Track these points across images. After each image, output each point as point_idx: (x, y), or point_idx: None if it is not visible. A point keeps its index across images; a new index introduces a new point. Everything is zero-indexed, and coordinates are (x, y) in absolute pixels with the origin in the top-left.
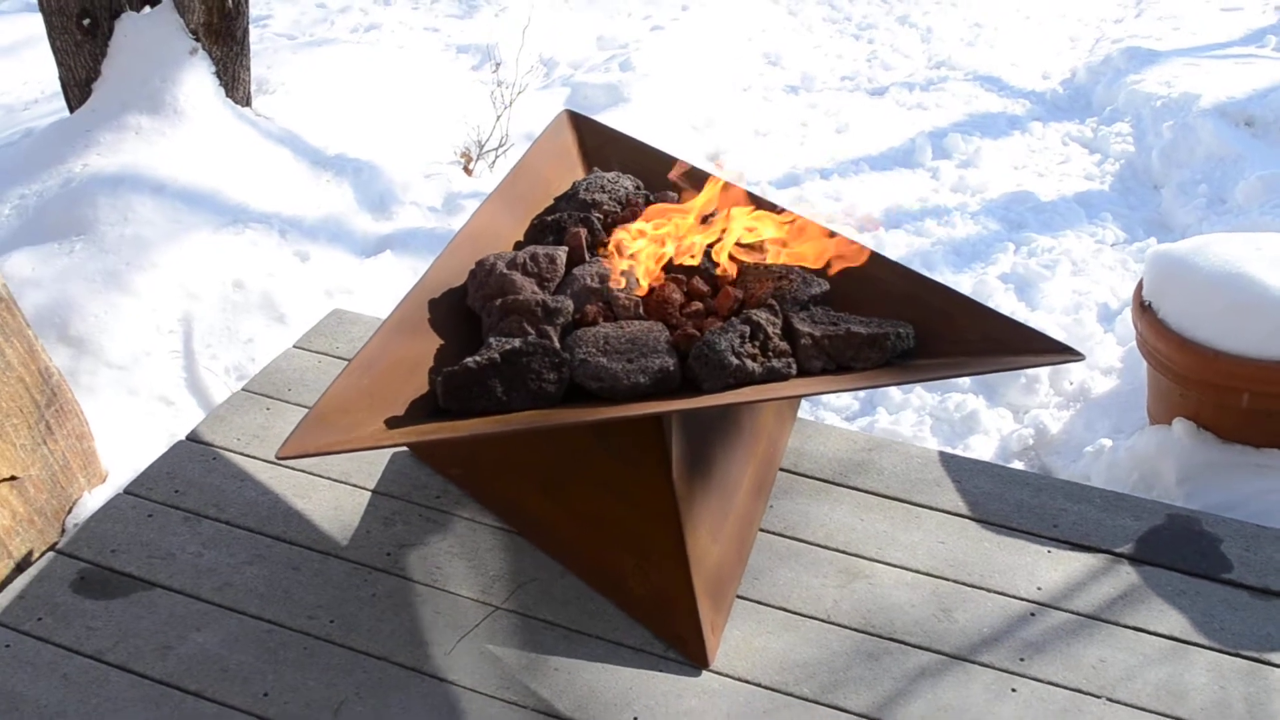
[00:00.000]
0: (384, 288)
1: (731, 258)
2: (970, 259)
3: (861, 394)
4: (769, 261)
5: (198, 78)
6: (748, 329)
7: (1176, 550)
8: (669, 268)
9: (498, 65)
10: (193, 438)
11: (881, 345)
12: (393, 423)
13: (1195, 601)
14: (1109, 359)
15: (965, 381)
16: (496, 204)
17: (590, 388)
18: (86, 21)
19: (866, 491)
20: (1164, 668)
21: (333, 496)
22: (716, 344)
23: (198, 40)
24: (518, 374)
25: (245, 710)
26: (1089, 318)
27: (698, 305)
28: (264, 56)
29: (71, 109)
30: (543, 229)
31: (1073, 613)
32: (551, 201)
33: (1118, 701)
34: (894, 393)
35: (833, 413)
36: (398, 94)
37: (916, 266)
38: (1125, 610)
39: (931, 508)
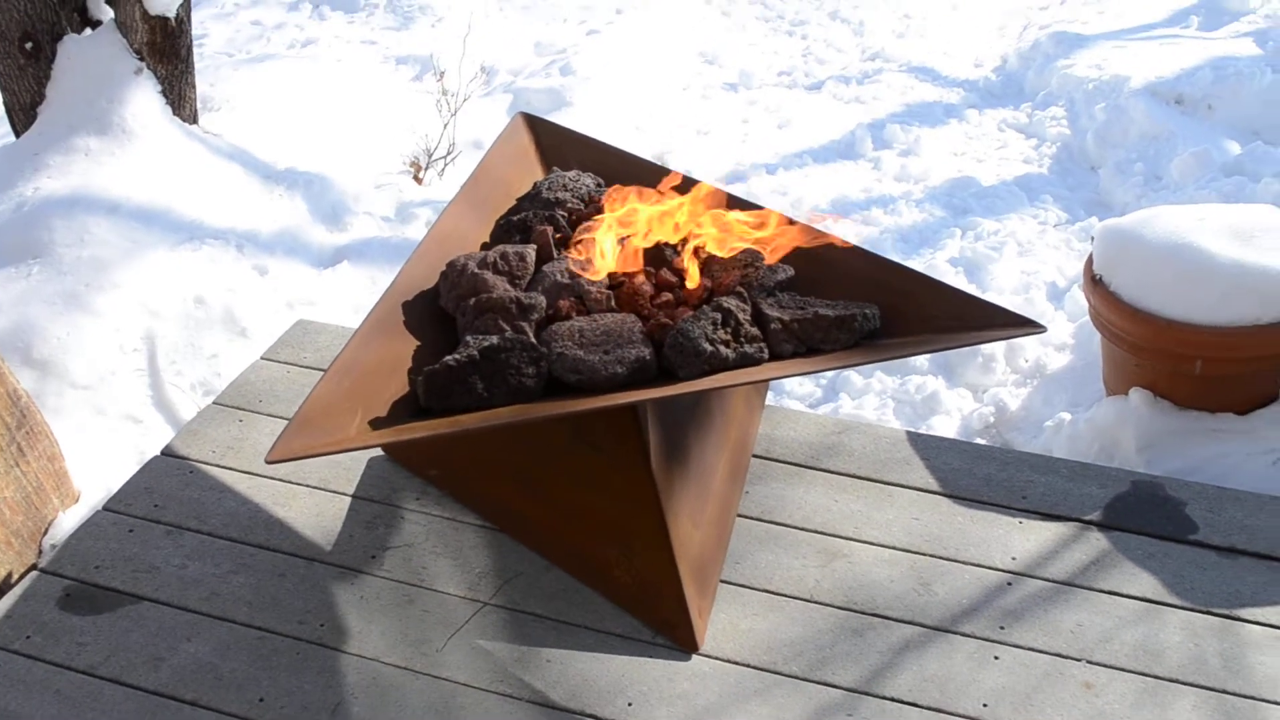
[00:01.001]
0: (344, 297)
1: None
2: (918, 245)
3: (824, 381)
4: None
5: (144, 97)
6: (719, 316)
7: (1143, 515)
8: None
9: (441, 74)
10: (168, 452)
11: (849, 326)
12: (377, 424)
13: (1165, 563)
14: (1061, 335)
15: (924, 363)
16: (460, 207)
17: (569, 380)
18: (28, 45)
19: (839, 473)
20: (1139, 628)
21: (313, 503)
22: (690, 332)
23: (142, 60)
24: (497, 370)
25: (242, 716)
26: (1039, 296)
27: (668, 296)
28: (206, 74)
29: (17, 134)
30: (509, 229)
31: (1048, 580)
32: (514, 202)
33: (1097, 663)
34: (855, 378)
35: (796, 400)
36: (342, 106)
37: None
38: (1098, 575)
39: (903, 485)
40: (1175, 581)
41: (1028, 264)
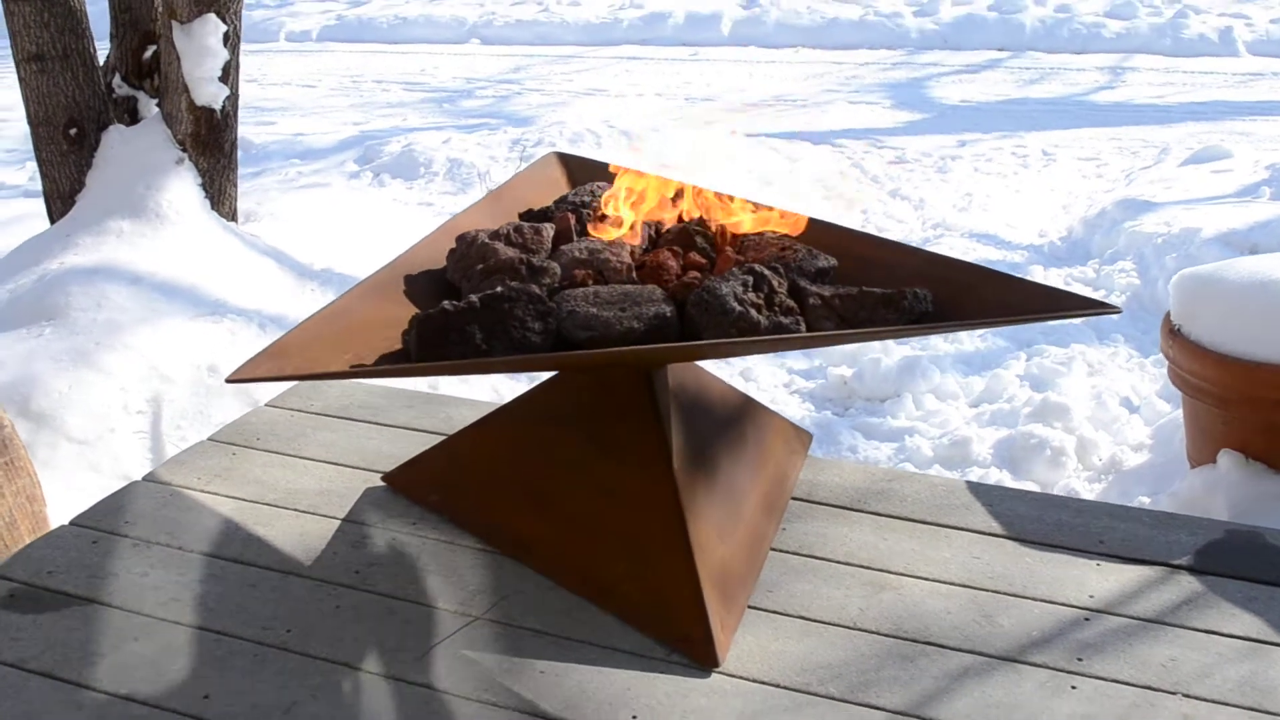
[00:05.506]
0: None
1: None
2: (980, 367)
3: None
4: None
5: (183, 187)
6: (751, 279)
7: (1241, 561)
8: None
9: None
10: (149, 478)
11: (897, 305)
12: (358, 368)
13: (1269, 606)
14: (1138, 436)
15: (987, 456)
16: (479, 211)
17: (579, 338)
18: (73, 131)
19: (888, 515)
20: (1244, 665)
21: (299, 524)
22: (718, 289)
23: (184, 151)
24: (499, 321)
25: (181, 712)
26: (1112, 402)
27: (695, 275)
28: (252, 195)
29: (53, 222)
30: (530, 219)
31: (1132, 618)
32: None
33: (1195, 697)
34: (910, 469)
35: None
36: (388, 229)
37: (920, 373)
38: (1192, 615)
39: (962, 529)
40: None
41: (1099, 381)
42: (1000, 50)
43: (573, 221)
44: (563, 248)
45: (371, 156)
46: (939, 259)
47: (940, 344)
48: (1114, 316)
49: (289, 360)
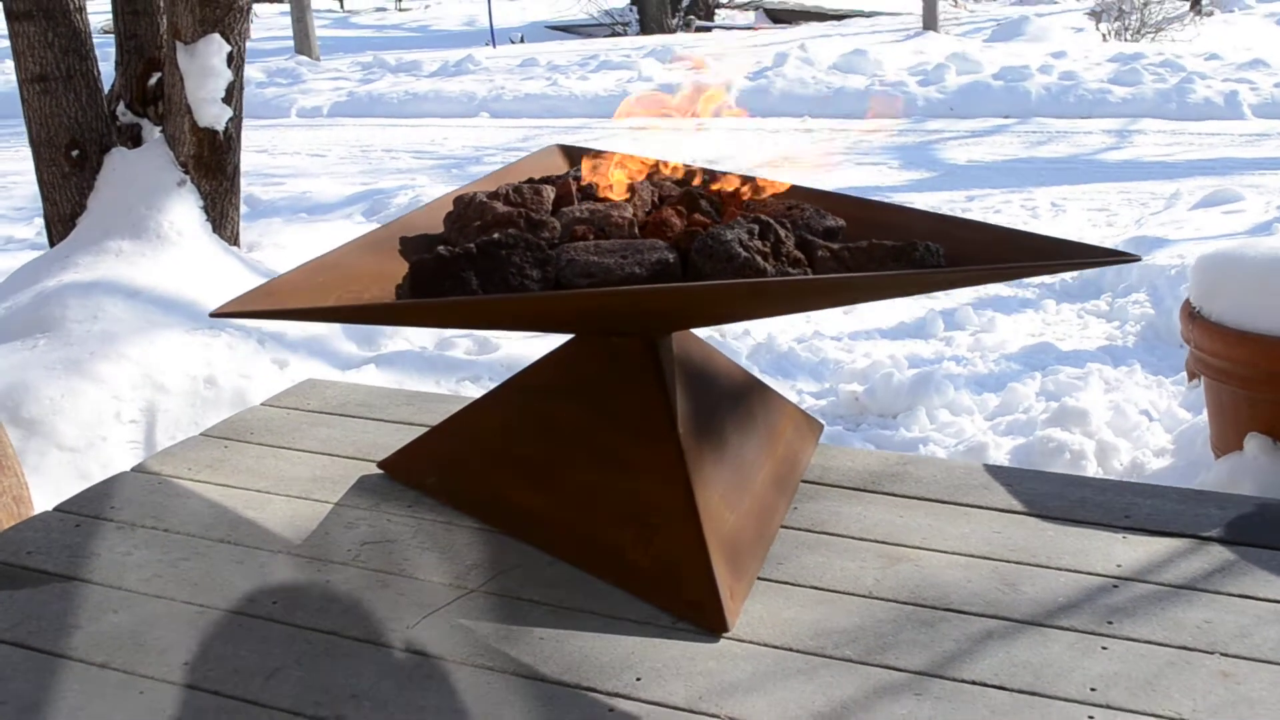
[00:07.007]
0: None
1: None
2: (994, 388)
3: None
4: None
5: (185, 209)
6: (757, 227)
7: (1274, 533)
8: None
9: None
10: (138, 469)
11: (908, 257)
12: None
13: None
14: (1159, 442)
15: (1004, 461)
16: (483, 185)
17: (579, 285)
18: (75, 153)
19: (904, 496)
20: None
21: (290, 508)
22: (723, 235)
23: (187, 173)
24: (496, 267)
25: (159, 679)
26: (1131, 411)
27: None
28: (255, 228)
29: (53, 245)
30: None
31: (1162, 584)
32: None
33: (1234, 656)
34: None
35: None
36: None
37: (934, 387)
38: (1225, 581)
39: (981, 506)
40: None
41: (1116, 396)
42: (1006, 117)
43: (574, 187)
44: (563, 209)
45: (379, 209)
46: (950, 219)
47: (953, 367)
48: (1129, 344)
49: (276, 300)
